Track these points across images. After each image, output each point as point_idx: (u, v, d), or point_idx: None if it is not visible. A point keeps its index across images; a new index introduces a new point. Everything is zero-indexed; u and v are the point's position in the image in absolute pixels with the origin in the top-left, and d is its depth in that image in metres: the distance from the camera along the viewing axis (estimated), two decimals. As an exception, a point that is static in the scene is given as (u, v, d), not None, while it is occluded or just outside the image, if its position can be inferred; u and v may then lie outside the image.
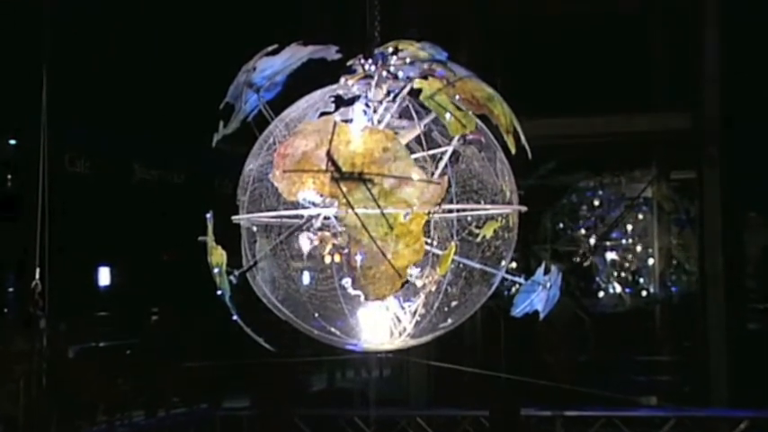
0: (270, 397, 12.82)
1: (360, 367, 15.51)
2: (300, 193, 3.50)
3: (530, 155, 3.76)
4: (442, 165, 3.76)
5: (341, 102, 3.91)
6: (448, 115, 3.59)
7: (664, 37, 15.85)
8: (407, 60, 3.79)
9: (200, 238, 3.85)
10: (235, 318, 3.89)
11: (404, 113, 3.87)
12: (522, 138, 3.77)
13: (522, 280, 4.03)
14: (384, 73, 3.79)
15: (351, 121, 3.73)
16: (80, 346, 13.25)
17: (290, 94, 4.00)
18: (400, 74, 3.78)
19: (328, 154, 3.44)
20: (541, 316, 4.04)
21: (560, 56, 14.53)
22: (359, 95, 3.84)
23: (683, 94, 14.06)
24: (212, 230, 3.83)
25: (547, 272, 4.03)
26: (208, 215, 3.85)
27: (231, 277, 3.84)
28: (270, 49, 3.93)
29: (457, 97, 3.62)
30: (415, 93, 3.73)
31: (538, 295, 4.01)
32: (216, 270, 3.81)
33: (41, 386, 10.49)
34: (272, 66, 3.93)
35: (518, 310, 4.06)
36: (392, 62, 3.80)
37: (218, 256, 3.81)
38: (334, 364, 15.29)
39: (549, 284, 4.00)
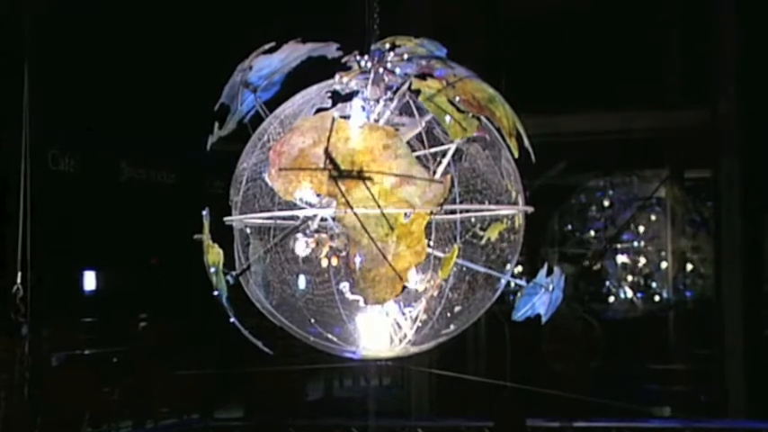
0: (264, 407, 12.83)
1: (358, 376, 15.52)
2: (297, 193, 3.52)
3: (534, 158, 3.78)
4: (444, 163, 3.78)
5: (338, 97, 3.92)
6: (448, 118, 3.60)
7: (677, 28, 15.84)
8: (405, 57, 3.80)
9: (196, 236, 3.87)
10: (232, 320, 3.91)
11: (404, 109, 3.88)
12: (526, 141, 3.79)
13: (523, 282, 4.04)
14: (381, 70, 3.80)
15: (349, 117, 3.75)
16: (64, 354, 13.25)
17: (284, 89, 4.01)
18: (397, 70, 3.79)
19: (326, 151, 3.46)
20: (544, 319, 4.06)
21: (567, 50, 14.53)
22: (357, 91, 3.86)
23: (698, 89, 14.06)
24: (209, 228, 3.85)
25: (549, 273, 4.04)
26: (204, 212, 3.87)
27: (228, 277, 3.86)
28: (267, 47, 3.95)
29: (457, 99, 3.62)
30: (415, 89, 3.74)
31: (540, 298, 4.03)
32: (212, 270, 3.83)
33: (23, 396, 10.49)
34: (270, 64, 3.95)
35: (519, 314, 4.07)
36: (389, 58, 3.81)
37: (214, 254, 3.83)
38: (332, 373, 15.29)
39: (551, 287, 4.02)
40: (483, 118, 3.79)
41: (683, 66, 15.66)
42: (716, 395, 13.11)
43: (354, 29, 4.11)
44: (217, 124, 3.98)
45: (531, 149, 3.81)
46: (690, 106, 14.07)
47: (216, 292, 3.86)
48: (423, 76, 3.70)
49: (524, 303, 4.07)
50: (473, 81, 3.75)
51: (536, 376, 12.62)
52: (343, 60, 3.88)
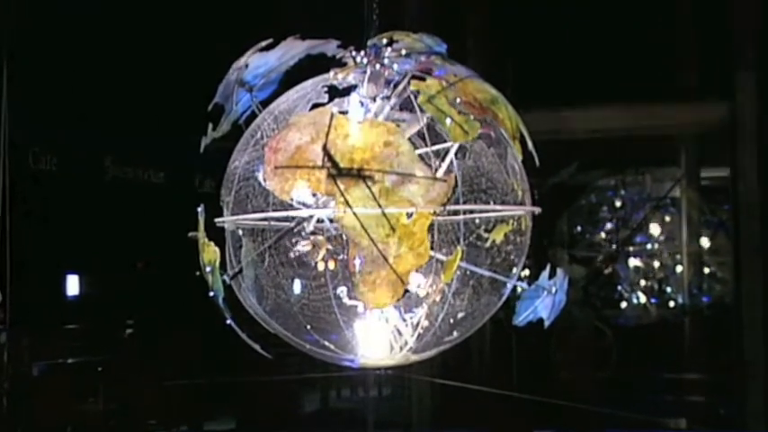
0: (257, 419, 12.85)
1: (357, 386, 15.52)
2: (294, 192, 3.53)
3: (537, 162, 3.79)
4: (447, 161, 3.79)
5: (335, 92, 3.93)
6: (448, 120, 3.60)
7: (692, 16, 15.84)
8: (403, 52, 3.81)
9: (191, 234, 3.88)
10: (228, 322, 3.92)
11: (405, 105, 3.89)
12: (530, 144, 3.80)
13: (525, 285, 4.05)
14: (377, 66, 3.81)
15: (347, 112, 3.76)
16: (45, 363, 13.25)
17: (282, 88, 4.02)
18: (395, 66, 3.80)
19: (325, 148, 3.47)
20: (546, 323, 4.07)
21: (577, 41, 14.54)
22: (355, 85, 3.87)
23: (715, 82, 14.06)
24: (204, 225, 3.86)
25: (552, 275, 4.05)
26: (199, 208, 3.88)
27: (225, 277, 3.87)
28: (263, 43, 3.95)
29: (458, 100, 3.63)
30: (414, 90, 3.74)
31: (542, 301, 4.04)
32: (208, 269, 3.84)
33: (1, 408, 10.50)
34: (267, 62, 3.95)
35: (521, 319, 4.09)
36: (386, 54, 3.82)
37: (210, 253, 3.85)
38: (329, 383, 15.31)
39: (554, 289, 4.03)
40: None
41: (698, 57, 15.66)
42: (734, 406, 13.12)
43: (354, 22, 4.12)
44: (210, 125, 3.98)
45: (534, 153, 3.82)
46: (706, 100, 14.06)
47: (211, 293, 3.87)
48: (422, 77, 3.70)
49: (526, 307, 4.08)
50: (474, 81, 3.75)
51: (544, 386, 12.64)
52: (338, 56, 3.89)
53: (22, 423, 11.06)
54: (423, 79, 3.68)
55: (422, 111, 3.85)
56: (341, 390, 16.03)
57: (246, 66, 3.97)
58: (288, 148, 3.53)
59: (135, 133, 14.53)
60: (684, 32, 16.09)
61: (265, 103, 4.00)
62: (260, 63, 3.96)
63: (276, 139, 3.58)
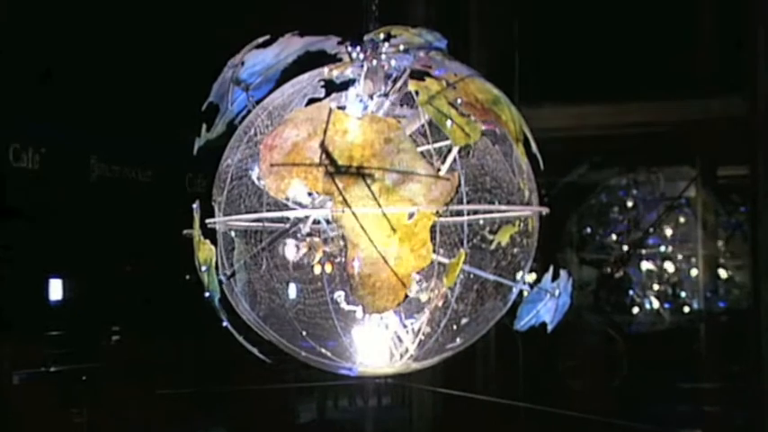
0: (250, 430, 12.86)
1: (355, 395, 15.54)
2: (290, 191, 3.53)
3: (542, 165, 3.80)
4: (450, 159, 3.79)
5: (332, 86, 3.93)
6: (449, 122, 3.61)
7: (708, 10, 15.84)
8: (401, 48, 3.82)
9: (186, 232, 3.89)
10: (225, 324, 3.93)
11: (404, 101, 3.89)
12: (534, 146, 3.80)
13: (526, 287, 4.05)
14: (374, 62, 3.81)
15: (345, 108, 3.76)
16: (27, 372, 13.26)
17: (279, 87, 4.02)
18: (393, 62, 3.81)
19: (322, 145, 3.48)
20: (549, 328, 4.07)
21: (588, 33, 14.53)
22: (353, 79, 3.87)
23: (733, 76, 14.06)
24: (199, 224, 3.86)
25: (555, 277, 4.05)
26: (194, 205, 3.89)
27: (221, 276, 3.87)
28: (260, 40, 3.96)
29: (458, 101, 3.63)
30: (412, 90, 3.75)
31: (545, 305, 4.04)
32: (204, 268, 3.84)
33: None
34: (263, 60, 3.96)
35: (523, 323, 4.08)
36: (384, 50, 3.83)
37: (206, 251, 3.85)
38: (325, 391, 15.32)
39: (557, 292, 4.03)
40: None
41: (715, 48, 15.64)
42: (752, 417, 13.13)
43: (353, 17, 4.12)
44: (204, 126, 3.99)
45: (539, 155, 3.82)
46: (722, 96, 14.06)
47: (207, 294, 3.88)
48: (421, 76, 3.71)
49: (528, 311, 4.07)
50: (475, 80, 3.75)
51: (551, 395, 12.65)
52: (333, 52, 3.90)
53: (3, 434, 11.08)
54: (422, 79, 3.68)
55: (422, 110, 3.86)
56: (338, 399, 16.04)
57: (242, 63, 3.97)
58: (284, 145, 3.53)
59: (122, 130, 14.54)
60: (699, 26, 16.07)
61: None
62: (257, 60, 3.97)
63: (271, 135, 3.58)
